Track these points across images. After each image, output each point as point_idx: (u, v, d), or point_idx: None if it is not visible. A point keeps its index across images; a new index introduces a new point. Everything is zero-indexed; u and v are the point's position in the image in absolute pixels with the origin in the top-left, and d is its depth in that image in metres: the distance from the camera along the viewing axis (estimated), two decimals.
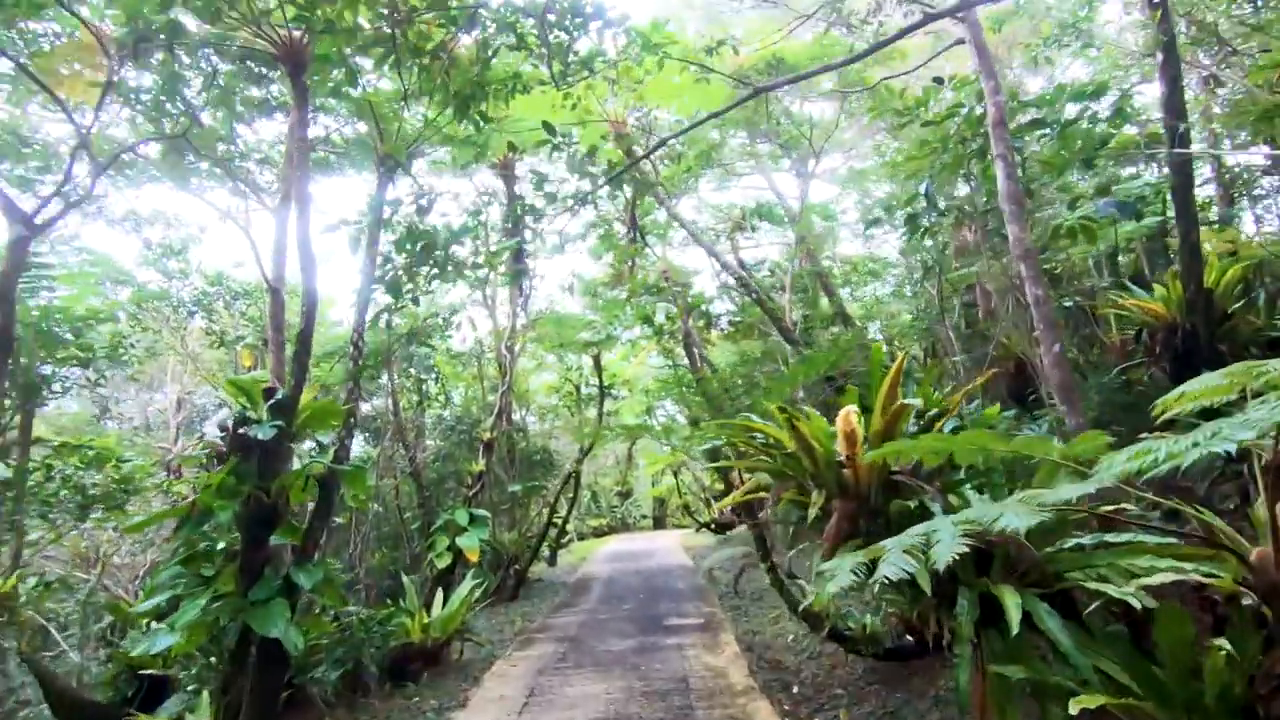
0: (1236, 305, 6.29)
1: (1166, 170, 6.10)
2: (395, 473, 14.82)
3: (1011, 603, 3.46)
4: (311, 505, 6.25)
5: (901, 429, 4.20)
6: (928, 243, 7.96)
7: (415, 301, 6.11)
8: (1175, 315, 6.08)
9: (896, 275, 12.50)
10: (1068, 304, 8.61)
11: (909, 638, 6.69)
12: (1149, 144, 5.92)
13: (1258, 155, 7.08)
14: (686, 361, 17.93)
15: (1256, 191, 11.35)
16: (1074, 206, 5.65)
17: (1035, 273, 4.73)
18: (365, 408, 16.26)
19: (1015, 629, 3.31)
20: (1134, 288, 6.78)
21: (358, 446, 17.70)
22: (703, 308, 18.49)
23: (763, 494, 5.57)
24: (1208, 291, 5.95)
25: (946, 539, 2.58)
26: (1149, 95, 8.16)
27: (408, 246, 5.65)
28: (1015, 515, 2.50)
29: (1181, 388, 2.99)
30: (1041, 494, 2.96)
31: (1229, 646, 2.92)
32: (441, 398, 15.33)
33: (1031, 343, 6.09)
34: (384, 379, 13.89)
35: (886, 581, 2.94)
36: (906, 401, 4.09)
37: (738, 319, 17.67)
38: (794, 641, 8.09)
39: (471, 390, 19.01)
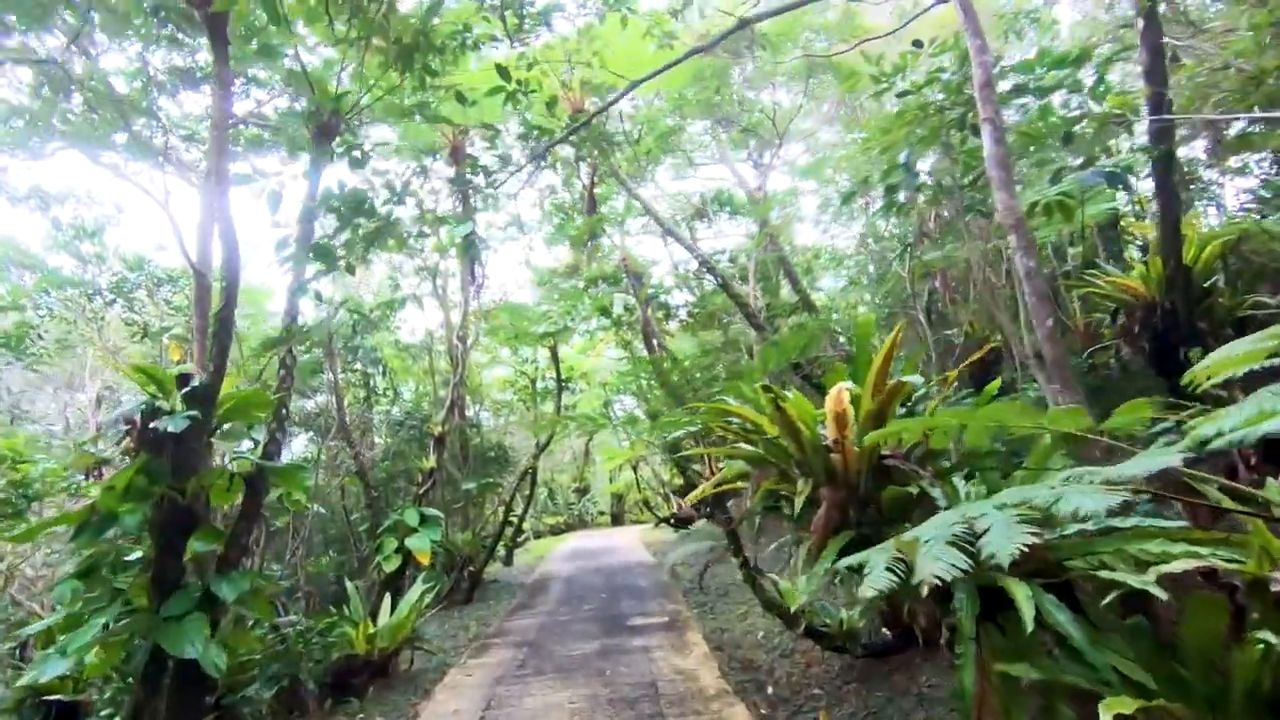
0: (1211, 282, 6.19)
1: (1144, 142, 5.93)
2: (341, 472, 14.04)
3: (1022, 595, 3.13)
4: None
5: (894, 410, 3.85)
6: (894, 223, 7.70)
7: (350, 270, 5.48)
8: (1154, 293, 5.92)
9: (857, 264, 12.30)
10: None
11: (886, 632, 6.43)
12: (1123, 116, 5.73)
13: (1241, 117, 7.01)
14: (645, 353, 17.59)
15: (1199, 185, 11.58)
16: (1057, 179, 5.42)
17: (1026, 242, 4.45)
18: (309, 404, 15.43)
19: (1029, 625, 2.98)
20: (1108, 267, 6.62)
21: (300, 445, 16.85)
22: (661, 298, 18.16)
23: (737, 485, 5.19)
24: (1187, 269, 5.80)
25: (1001, 529, 2.19)
26: (1122, 72, 8.11)
27: (338, 206, 5.05)
28: (1084, 496, 2.13)
29: (1215, 355, 2.68)
30: (1089, 472, 2.61)
31: (1273, 639, 2.63)
32: (390, 392, 14.56)
33: (1011, 322, 5.84)
34: (327, 373, 13.12)
35: (886, 580, 2.59)
36: (905, 379, 3.74)
37: (697, 309, 17.36)
38: (765, 639, 7.76)
39: (422, 386, 18.24)
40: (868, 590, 2.25)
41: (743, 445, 4.46)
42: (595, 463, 34.78)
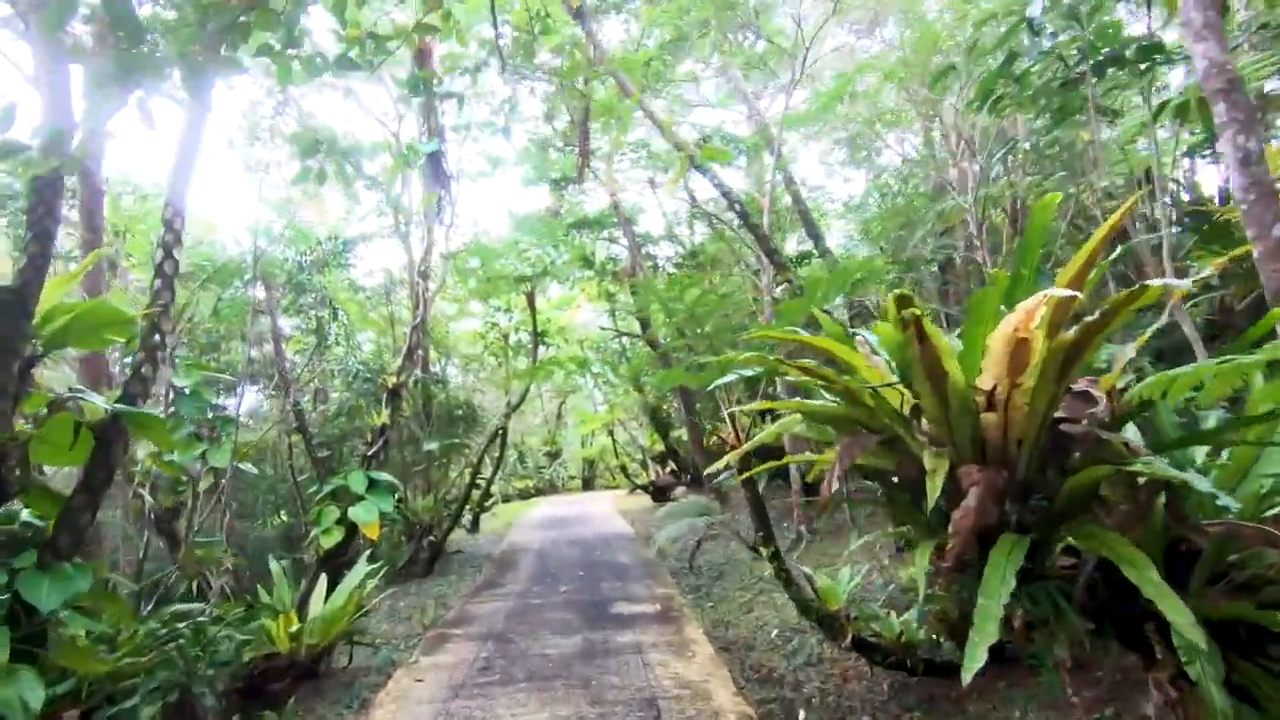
0: None
1: None
2: (292, 427, 12.40)
3: None
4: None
5: (1096, 349, 2.44)
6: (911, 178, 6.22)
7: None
8: None
9: (883, 202, 10.81)
10: None
11: (946, 643, 5.15)
12: None
13: None
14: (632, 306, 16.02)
15: None
16: None
17: (1244, 114, 3.02)
18: (254, 353, 13.66)
19: None
20: None
21: (255, 401, 15.09)
22: (648, 249, 16.57)
23: (784, 461, 3.79)
24: None
25: None
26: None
27: None
28: None
29: None
30: None
31: None
32: (343, 339, 12.85)
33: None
34: (267, 317, 11.38)
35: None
36: (1151, 284, 2.29)
37: (687, 260, 15.83)
38: (779, 638, 6.47)
39: (384, 337, 16.53)
40: None
41: (828, 400, 3.03)
42: (568, 426, 33.44)
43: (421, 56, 10.18)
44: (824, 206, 15.01)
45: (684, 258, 16.42)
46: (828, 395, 3.18)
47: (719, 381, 3.70)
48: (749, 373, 3.38)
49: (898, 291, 2.41)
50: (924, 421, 2.72)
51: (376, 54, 3.36)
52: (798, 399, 3.48)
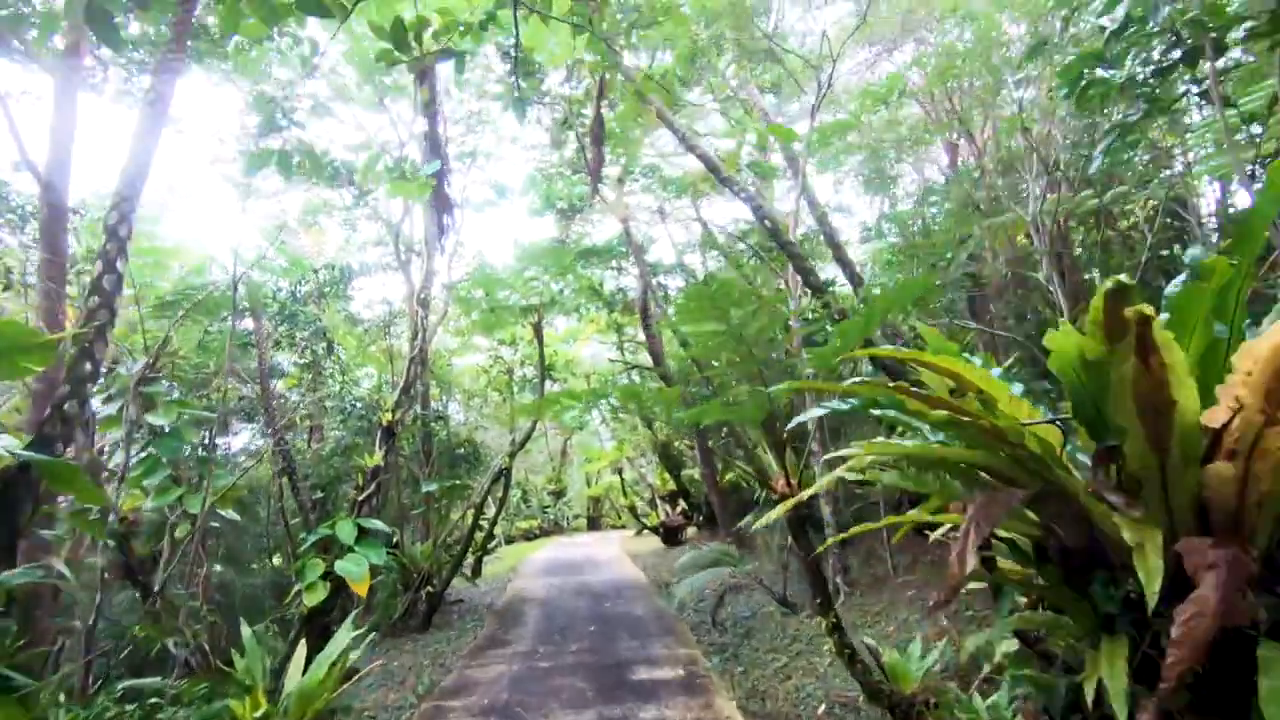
0: None
1: None
2: (284, 469, 11.62)
3: None
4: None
5: None
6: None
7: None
8: None
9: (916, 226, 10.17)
10: None
11: None
12: None
13: None
14: (644, 337, 15.33)
15: None
16: None
17: None
18: (246, 390, 12.96)
19: None
20: None
21: (239, 440, 14.33)
22: (659, 278, 15.96)
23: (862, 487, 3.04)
24: None
25: None
26: None
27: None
28: None
29: None
30: None
31: None
32: (337, 374, 12.15)
33: None
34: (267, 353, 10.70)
35: None
36: None
37: (709, 287, 15.14)
38: (832, 718, 5.58)
39: (384, 372, 15.85)
40: None
41: (958, 446, 2.27)
42: (573, 463, 32.52)
43: (422, 75, 9.68)
44: (837, 234, 14.42)
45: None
46: (931, 434, 2.44)
47: (804, 418, 2.93)
48: (841, 406, 2.65)
49: (1114, 281, 1.69)
50: (1111, 472, 1.98)
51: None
52: (886, 440, 2.72)
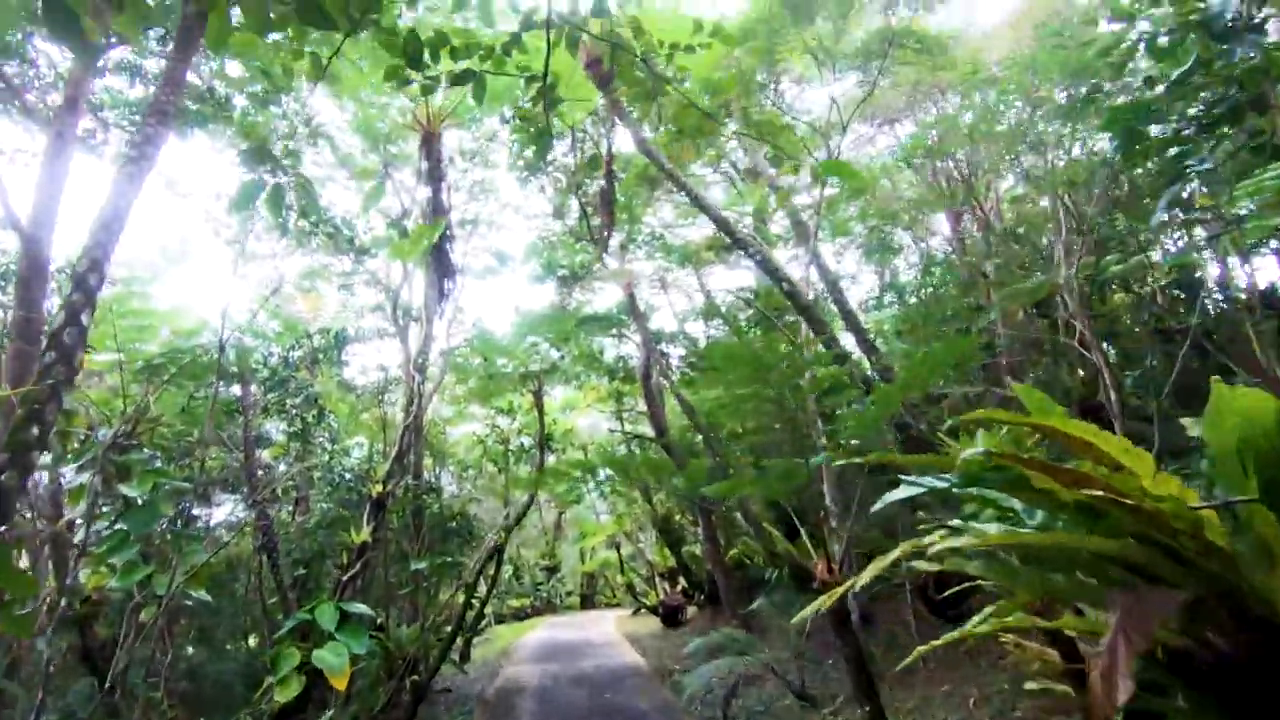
0: None
1: None
2: (263, 545, 10.95)
3: None
4: None
5: None
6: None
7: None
8: None
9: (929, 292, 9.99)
10: None
11: None
12: None
13: None
14: (645, 406, 14.94)
15: None
16: None
17: None
18: (230, 459, 12.41)
19: None
20: None
21: (221, 512, 13.65)
22: (661, 345, 15.71)
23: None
24: None
25: None
26: None
27: None
28: None
29: None
30: None
31: None
32: (326, 442, 11.65)
33: None
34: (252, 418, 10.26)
35: None
36: None
37: (697, 359, 14.91)
38: None
39: (376, 442, 15.32)
40: None
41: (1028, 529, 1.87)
42: (567, 538, 31.44)
43: (426, 142, 9.67)
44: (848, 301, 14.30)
45: (696, 355, 15.55)
46: (1027, 516, 2.05)
47: (896, 497, 2.48)
48: (935, 484, 2.23)
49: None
50: None
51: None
52: (987, 527, 2.31)
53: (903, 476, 2.36)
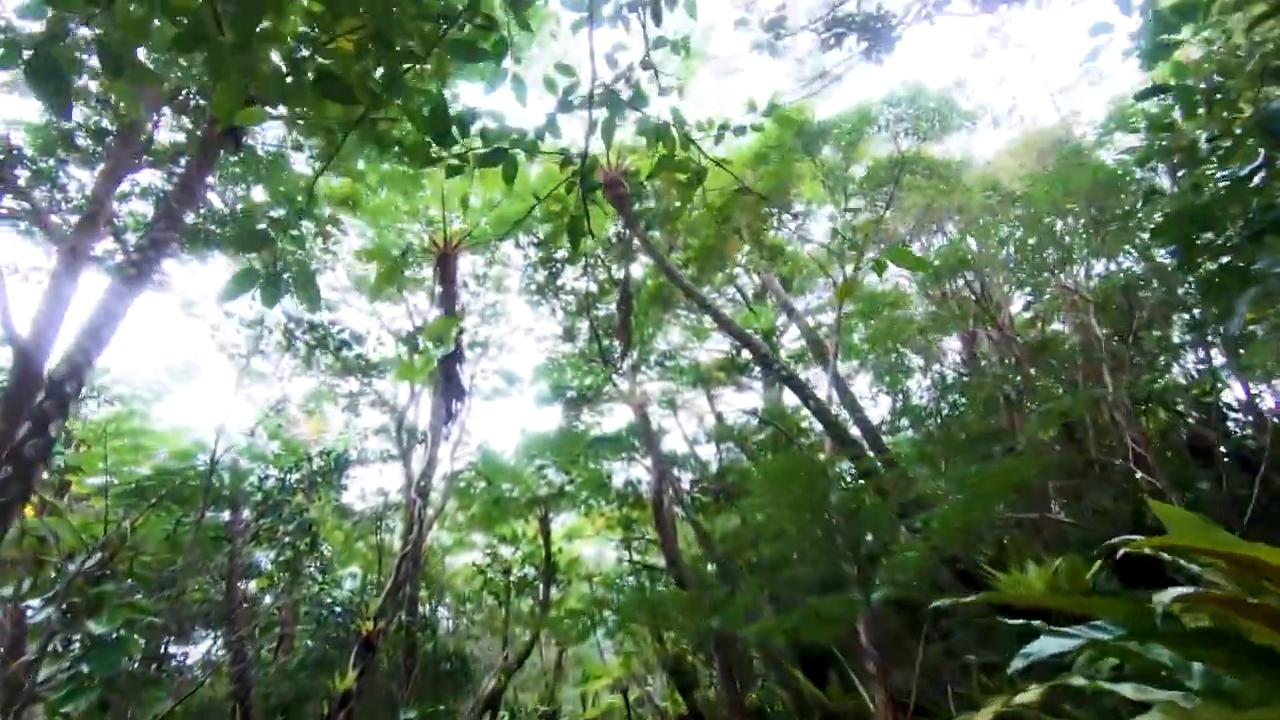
0: None
1: None
2: (236, 692, 9.96)
3: None
4: None
5: None
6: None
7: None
8: None
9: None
10: None
11: None
12: None
13: None
14: (656, 533, 14.18)
15: None
16: None
17: None
18: (215, 590, 11.63)
19: None
20: None
21: (198, 650, 12.64)
22: (675, 469, 15.20)
23: None
24: None
25: None
26: None
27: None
28: None
29: None
30: None
31: None
32: (317, 573, 10.93)
33: None
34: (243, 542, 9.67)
35: None
36: None
37: (724, 478, 14.35)
38: None
39: (370, 572, 14.46)
40: None
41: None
42: (568, 679, 29.09)
43: (442, 262, 9.79)
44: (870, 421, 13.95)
45: (709, 479, 15.00)
46: (1199, 682, 1.60)
47: (1050, 650, 1.98)
48: (1099, 636, 1.77)
49: None
50: None
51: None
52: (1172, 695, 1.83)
53: (1036, 624, 1.90)
